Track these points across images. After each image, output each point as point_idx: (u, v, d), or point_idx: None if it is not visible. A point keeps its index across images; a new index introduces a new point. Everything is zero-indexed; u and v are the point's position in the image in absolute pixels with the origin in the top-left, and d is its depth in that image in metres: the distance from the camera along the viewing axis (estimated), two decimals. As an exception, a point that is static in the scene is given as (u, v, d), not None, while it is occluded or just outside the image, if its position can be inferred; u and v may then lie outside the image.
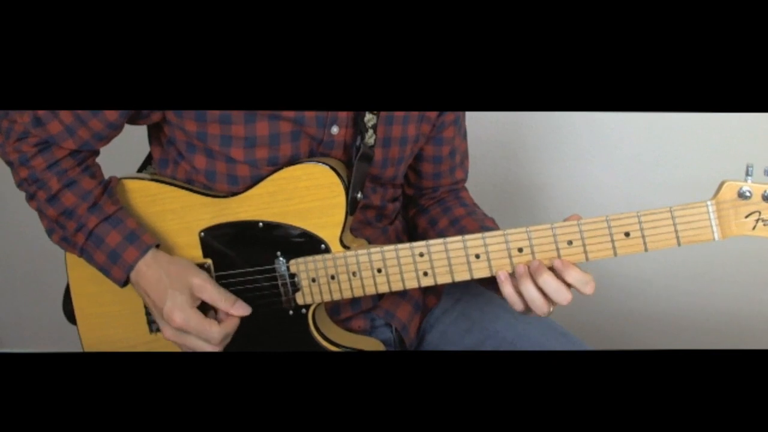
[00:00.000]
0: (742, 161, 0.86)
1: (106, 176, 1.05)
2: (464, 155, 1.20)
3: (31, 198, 1.02)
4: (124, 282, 1.00)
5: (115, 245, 0.98)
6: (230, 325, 0.98)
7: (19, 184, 1.03)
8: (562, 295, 0.90)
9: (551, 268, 0.91)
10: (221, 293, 0.98)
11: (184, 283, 0.97)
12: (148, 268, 0.98)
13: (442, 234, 1.13)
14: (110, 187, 1.03)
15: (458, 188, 1.21)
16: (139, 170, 1.16)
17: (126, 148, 1.14)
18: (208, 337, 0.96)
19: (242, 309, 0.98)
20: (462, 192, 1.21)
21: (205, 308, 0.99)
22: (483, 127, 1.19)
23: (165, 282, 0.97)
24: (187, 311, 0.96)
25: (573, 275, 0.89)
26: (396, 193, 1.15)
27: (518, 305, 0.93)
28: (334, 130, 1.01)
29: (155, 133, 1.09)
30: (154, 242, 1.00)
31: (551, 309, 0.92)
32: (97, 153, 1.06)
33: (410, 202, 1.22)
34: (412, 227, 1.21)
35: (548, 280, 0.90)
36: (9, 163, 1.02)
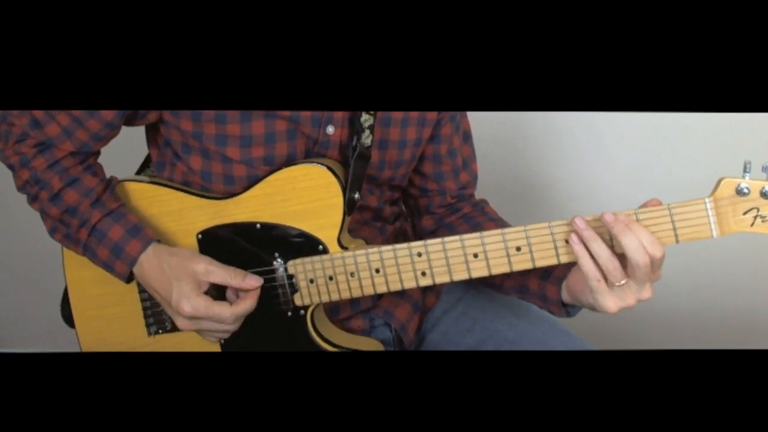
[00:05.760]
0: (740, 159, 0.86)
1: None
2: (468, 158, 1.18)
3: (33, 200, 1.02)
4: (128, 277, 1.00)
5: (118, 238, 0.98)
6: (242, 306, 0.97)
7: (22, 188, 1.03)
8: (640, 251, 0.83)
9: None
10: (229, 271, 0.97)
11: (187, 272, 0.96)
12: (149, 262, 0.98)
13: None
14: (113, 186, 1.03)
15: (468, 195, 1.18)
16: (138, 172, 1.16)
17: (125, 149, 1.15)
18: (220, 319, 0.96)
19: (254, 281, 0.98)
20: (486, 207, 1.18)
21: (218, 291, 0.99)
22: (483, 126, 1.19)
23: (168, 274, 0.97)
24: (193, 299, 0.95)
25: (641, 231, 0.85)
26: (394, 196, 1.15)
27: (592, 269, 0.87)
28: (330, 129, 1.01)
29: (152, 135, 1.09)
30: (155, 237, 1.00)
31: (623, 275, 0.86)
32: (97, 154, 1.06)
33: (425, 211, 1.18)
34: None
35: (629, 235, 0.84)
36: (10, 167, 1.02)
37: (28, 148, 0.99)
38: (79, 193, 1.00)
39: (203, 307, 0.95)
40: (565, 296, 0.97)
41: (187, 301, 0.95)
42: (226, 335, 1.00)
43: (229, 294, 0.99)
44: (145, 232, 0.99)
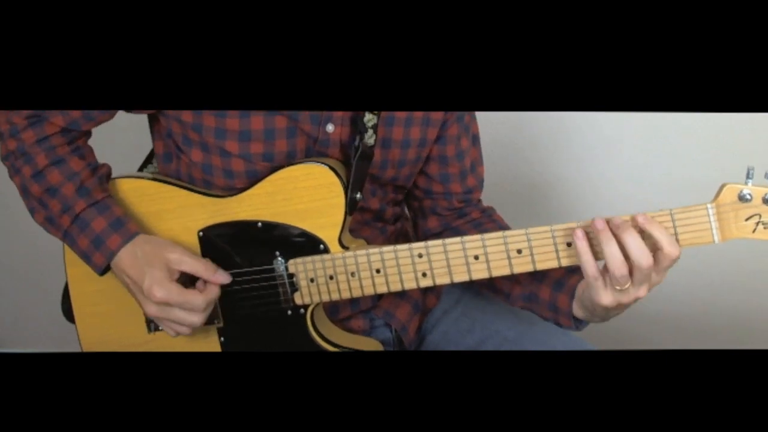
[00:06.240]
0: (740, 159, 0.86)
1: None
2: (476, 161, 1.17)
3: (15, 173, 1.02)
4: (104, 269, 1.00)
5: (100, 231, 0.98)
6: (212, 292, 0.98)
7: (5, 158, 1.03)
8: (644, 255, 0.84)
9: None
10: (200, 262, 0.98)
11: (160, 260, 0.97)
12: (125, 250, 0.98)
13: None
14: (102, 174, 1.03)
15: (476, 201, 1.17)
16: (141, 168, 1.16)
17: (128, 146, 1.15)
18: (191, 306, 0.96)
19: (223, 277, 0.99)
20: (495, 214, 1.17)
21: (186, 281, 0.99)
22: (483, 126, 1.18)
23: (141, 261, 0.97)
24: (166, 285, 0.96)
25: (659, 229, 0.86)
26: (397, 197, 1.14)
27: (591, 266, 0.88)
28: (329, 128, 1.01)
29: (156, 128, 1.09)
30: (137, 231, 1.00)
31: (628, 280, 0.86)
32: (87, 135, 1.06)
33: (430, 212, 1.16)
34: None
35: (635, 237, 0.84)
36: None
37: (20, 119, 1.00)
38: (62, 175, 1.00)
39: (176, 293, 0.96)
40: (576, 309, 0.97)
41: (160, 287, 0.95)
42: (188, 331, 0.99)
43: (199, 285, 1.00)
44: (127, 227, 0.99)
